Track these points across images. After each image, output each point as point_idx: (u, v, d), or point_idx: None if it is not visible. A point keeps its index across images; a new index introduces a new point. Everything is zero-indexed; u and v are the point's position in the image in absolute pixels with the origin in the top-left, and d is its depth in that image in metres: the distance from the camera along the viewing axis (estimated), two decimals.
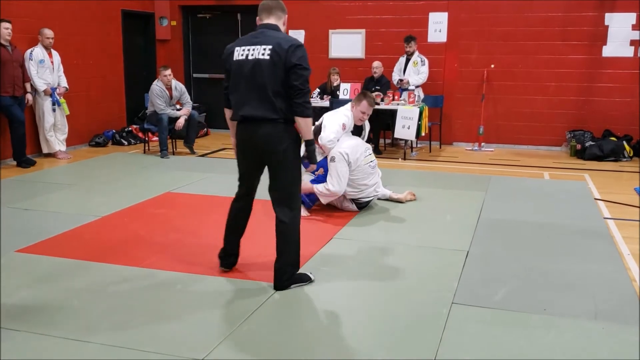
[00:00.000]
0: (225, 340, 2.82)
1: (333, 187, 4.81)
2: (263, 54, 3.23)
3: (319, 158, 4.96)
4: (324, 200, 4.95)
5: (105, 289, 3.44)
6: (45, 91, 7.40)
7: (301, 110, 3.25)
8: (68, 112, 7.71)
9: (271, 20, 3.38)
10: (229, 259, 3.69)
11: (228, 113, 3.52)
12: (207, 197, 5.55)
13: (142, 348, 2.74)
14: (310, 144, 3.38)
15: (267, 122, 3.27)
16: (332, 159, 4.84)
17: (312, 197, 5.01)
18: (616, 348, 2.79)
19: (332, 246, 4.22)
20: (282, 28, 3.43)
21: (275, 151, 3.30)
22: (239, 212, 3.63)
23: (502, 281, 3.57)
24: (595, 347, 2.80)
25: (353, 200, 5.05)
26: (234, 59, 3.34)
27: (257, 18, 3.43)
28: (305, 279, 3.52)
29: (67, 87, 7.70)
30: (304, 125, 3.30)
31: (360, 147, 5.00)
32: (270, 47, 3.23)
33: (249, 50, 3.30)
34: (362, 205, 5.09)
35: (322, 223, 4.76)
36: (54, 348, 2.75)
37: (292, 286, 3.44)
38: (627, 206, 5.47)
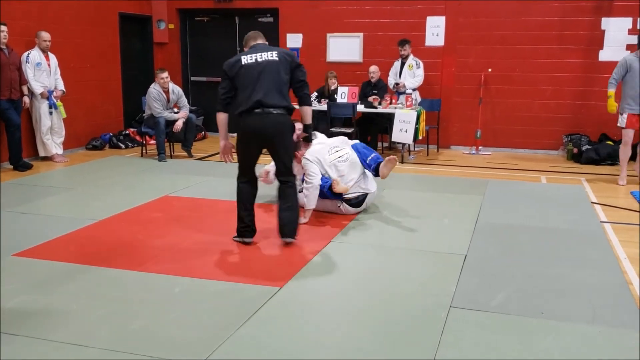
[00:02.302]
0: (224, 343, 2.82)
1: (310, 182, 4.84)
2: (272, 56, 4.07)
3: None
4: (313, 201, 4.85)
5: (103, 292, 3.43)
6: (42, 94, 7.39)
7: (308, 100, 4.22)
8: (65, 116, 7.70)
9: (259, 41, 4.23)
10: (252, 231, 4.34)
11: (223, 116, 4.16)
12: (205, 201, 5.54)
13: (141, 352, 2.73)
14: (310, 127, 4.35)
15: (281, 110, 4.07)
16: (304, 165, 4.97)
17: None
18: (613, 352, 2.80)
19: (330, 249, 4.22)
20: None
21: (285, 135, 4.15)
22: (250, 193, 4.31)
23: (500, 285, 3.57)
24: (592, 350, 2.81)
25: (344, 201, 5.04)
26: (243, 63, 4.04)
27: (244, 45, 4.28)
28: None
29: (64, 90, 7.70)
30: (309, 112, 4.25)
31: (323, 149, 5.10)
32: (275, 52, 4.10)
33: (257, 56, 4.07)
34: (353, 203, 5.07)
35: (320, 226, 4.76)
36: (53, 352, 2.74)
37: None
38: (623, 210, 5.49)
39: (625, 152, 6.57)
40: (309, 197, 4.86)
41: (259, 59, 4.03)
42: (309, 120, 4.27)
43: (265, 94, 3.97)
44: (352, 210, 5.09)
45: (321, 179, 5.01)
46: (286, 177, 4.26)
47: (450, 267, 3.87)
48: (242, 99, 4.01)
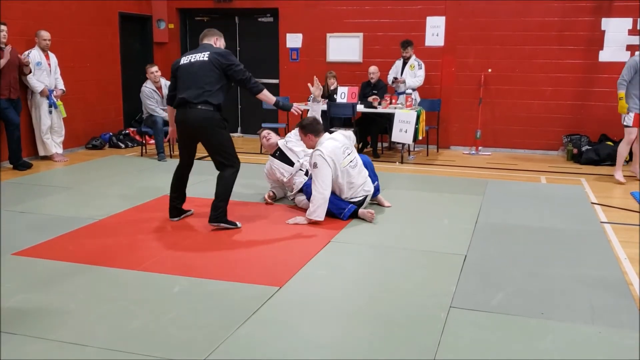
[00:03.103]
0: (224, 343, 2.82)
1: (319, 193, 4.73)
2: (203, 57, 4.50)
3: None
4: (321, 213, 4.76)
5: (102, 292, 3.43)
6: (42, 92, 7.38)
7: (255, 88, 4.56)
8: (65, 115, 7.70)
9: (205, 41, 4.75)
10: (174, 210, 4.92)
11: (169, 109, 4.82)
12: (204, 200, 5.53)
13: (140, 351, 2.73)
14: (277, 102, 4.76)
15: (202, 105, 4.44)
16: (315, 165, 4.77)
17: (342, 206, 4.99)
18: (613, 352, 2.79)
19: (329, 249, 4.22)
20: (217, 44, 4.76)
21: (207, 128, 4.49)
22: (183, 178, 4.89)
23: (500, 285, 3.57)
24: (592, 351, 2.81)
25: (348, 201, 5.03)
26: (180, 64, 4.59)
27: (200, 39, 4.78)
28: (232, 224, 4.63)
29: (64, 89, 7.69)
30: (264, 96, 4.61)
31: (338, 150, 4.89)
32: (207, 52, 4.53)
33: (191, 56, 4.57)
34: (358, 205, 5.07)
35: (319, 226, 4.75)
36: (52, 351, 2.74)
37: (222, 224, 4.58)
38: (623, 210, 5.49)
39: (626, 149, 6.66)
40: (318, 210, 4.72)
41: (192, 60, 4.51)
42: (270, 100, 4.64)
43: (190, 92, 4.40)
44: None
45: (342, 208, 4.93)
46: (220, 166, 4.62)
47: (450, 267, 3.87)
48: (177, 96, 4.53)
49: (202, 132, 4.50)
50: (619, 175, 6.70)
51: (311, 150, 5.00)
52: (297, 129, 5.15)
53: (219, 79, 4.45)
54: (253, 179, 6.29)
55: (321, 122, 5.15)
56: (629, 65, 6.39)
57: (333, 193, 4.95)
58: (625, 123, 6.56)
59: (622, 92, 6.43)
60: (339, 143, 4.96)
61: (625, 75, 6.40)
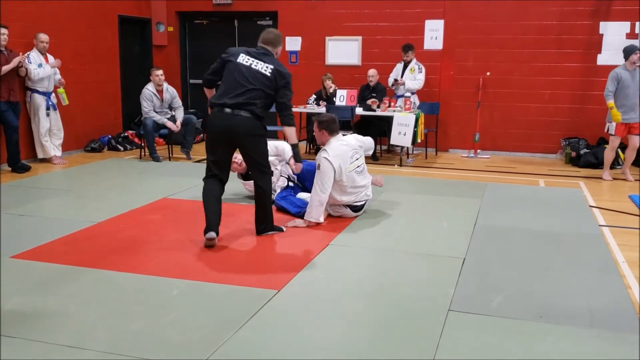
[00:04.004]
0: (223, 345, 2.81)
1: (317, 195, 4.73)
2: (265, 70, 4.23)
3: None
4: (316, 215, 4.76)
5: (101, 294, 3.43)
6: (52, 64, 7.40)
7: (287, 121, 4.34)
8: (67, 102, 7.66)
9: (269, 47, 4.36)
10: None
11: (208, 92, 4.49)
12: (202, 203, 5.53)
13: (139, 354, 2.73)
14: (294, 146, 4.47)
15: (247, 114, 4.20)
16: (319, 166, 4.77)
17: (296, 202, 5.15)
18: (612, 355, 2.80)
19: (328, 252, 4.22)
20: (278, 54, 4.43)
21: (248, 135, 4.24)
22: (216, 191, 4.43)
23: (498, 288, 3.57)
24: (590, 354, 2.81)
25: (347, 206, 5.05)
26: (237, 60, 4.25)
27: (260, 39, 4.42)
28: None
29: (63, 81, 7.63)
30: (289, 132, 4.37)
31: (347, 154, 4.88)
32: (272, 67, 4.23)
33: (253, 61, 4.25)
34: (358, 209, 5.09)
35: (318, 229, 4.75)
36: (51, 354, 2.73)
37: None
38: (621, 213, 5.50)
39: (611, 155, 7.10)
40: (313, 212, 4.74)
41: (254, 66, 4.22)
42: (293, 139, 4.40)
43: (238, 98, 4.17)
44: (352, 214, 5.09)
45: (291, 187, 5.13)
46: (259, 176, 4.44)
47: (449, 270, 3.87)
48: (218, 93, 4.29)
49: (246, 139, 4.25)
50: (606, 175, 7.10)
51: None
52: (314, 123, 5.08)
53: (269, 96, 4.25)
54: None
55: (337, 122, 5.08)
56: (612, 77, 6.86)
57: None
58: (608, 131, 7.02)
59: (611, 102, 6.83)
60: (349, 147, 4.95)
61: (609, 87, 6.84)
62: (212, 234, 4.19)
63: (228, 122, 4.16)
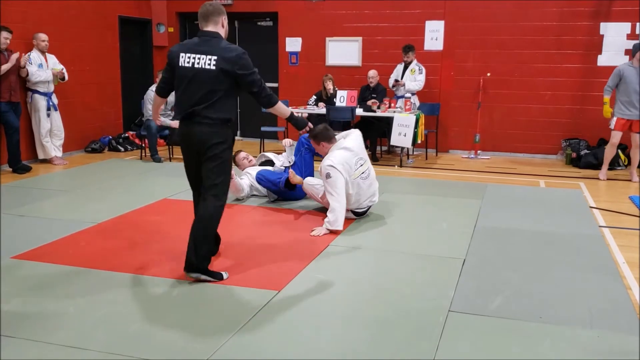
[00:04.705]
0: (223, 346, 2.82)
1: (339, 202, 4.64)
2: (209, 64, 3.52)
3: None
4: (342, 222, 4.64)
5: (102, 295, 3.43)
6: (54, 72, 7.45)
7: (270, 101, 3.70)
8: (67, 78, 7.65)
9: (210, 28, 3.67)
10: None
11: (157, 98, 3.91)
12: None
13: (138, 355, 2.73)
14: (291, 117, 3.89)
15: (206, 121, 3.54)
16: (328, 176, 4.67)
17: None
18: (612, 356, 2.80)
19: (328, 253, 4.22)
20: (222, 31, 3.72)
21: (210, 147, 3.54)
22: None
23: (498, 289, 3.58)
24: (590, 355, 2.81)
25: (351, 211, 5.01)
26: (180, 64, 3.58)
27: (199, 24, 3.74)
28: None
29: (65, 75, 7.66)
30: (277, 110, 3.79)
31: (351, 160, 4.76)
32: (215, 57, 3.51)
33: (194, 58, 3.55)
34: (360, 214, 5.09)
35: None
36: (51, 355, 2.74)
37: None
38: (622, 214, 5.50)
39: (610, 151, 7.15)
40: (340, 219, 4.62)
41: (196, 65, 3.53)
42: (284, 112, 3.84)
43: (194, 104, 3.52)
44: (353, 216, 5.06)
45: (273, 181, 5.20)
46: (209, 197, 3.62)
47: (449, 271, 3.87)
48: (176, 101, 3.74)
49: (207, 149, 3.57)
50: (601, 174, 7.18)
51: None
52: (310, 138, 5.08)
53: (227, 90, 3.55)
54: None
55: (331, 128, 5.08)
56: (614, 74, 6.94)
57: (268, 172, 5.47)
58: (610, 126, 7.09)
59: (606, 98, 7.00)
60: (352, 154, 4.82)
61: (609, 82, 6.95)
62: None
63: (189, 134, 3.57)
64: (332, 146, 4.92)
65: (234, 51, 3.53)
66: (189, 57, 3.55)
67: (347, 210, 4.97)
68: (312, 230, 4.65)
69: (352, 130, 5.22)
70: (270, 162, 6.02)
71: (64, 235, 4.51)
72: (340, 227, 4.64)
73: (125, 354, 2.74)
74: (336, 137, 5.02)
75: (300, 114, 4.00)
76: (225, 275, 3.67)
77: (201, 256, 3.58)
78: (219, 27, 3.70)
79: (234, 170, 5.49)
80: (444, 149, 9.04)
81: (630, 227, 5.06)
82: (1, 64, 6.78)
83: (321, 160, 4.90)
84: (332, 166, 4.67)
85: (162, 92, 3.86)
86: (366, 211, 5.11)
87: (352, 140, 4.98)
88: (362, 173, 4.86)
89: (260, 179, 5.55)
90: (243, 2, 9.62)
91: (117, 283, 3.61)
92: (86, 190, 6.15)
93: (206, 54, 3.52)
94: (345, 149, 4.82)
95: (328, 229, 4.63)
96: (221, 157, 3.57)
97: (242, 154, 6.11)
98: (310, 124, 4.06)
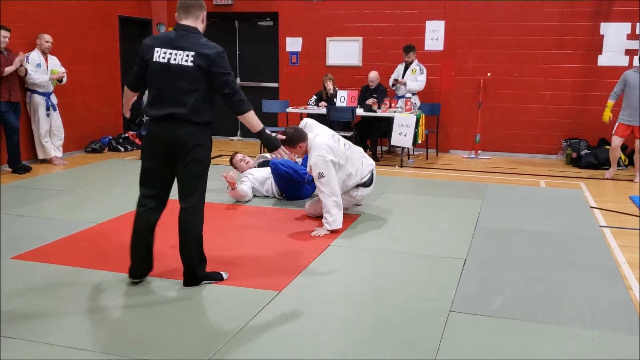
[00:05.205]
0: (223, 348, 2.81)
1: (334, 201, 4.60)
2: (186, 60, 3.30)
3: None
4: (340, 221, 4.63)
5: (102, 296, 3.43)
6: (54, 77, 7.45)
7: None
8: (64, 81, 7.65)
9: (189, 22, 3.41)
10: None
11: (129, 92, 3.70)
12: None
13: (138, 356, 2.72)
14: (261, 134, 3.52)
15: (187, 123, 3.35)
16: (320, 175, 4.57)
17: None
18: (613, 356, 2.79)
19: (329, 253, 4.21)
20: (201, 27, 3.47)
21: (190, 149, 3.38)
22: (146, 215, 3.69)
23: (499, 289, 3.57)
24: (591, 355, 2.80)
25: (359, 185, 4.99)
26: (154, 59, 3.38)
27: (176, 16, 3.47)
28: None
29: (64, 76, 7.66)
30: (247, 120, 3.45)
31: (331, 140, 4.70)
32: (193, 52, 3.29)
33: (170, 54, 3.34)
34: (368, 183, 5.04)
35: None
36: (51, 355, 2.73)
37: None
38: (622, 214, 5.49)
39: (614, 154, 7.23)
40: (338, 218, 4.59)
41: (172, 61, 3.33)
42: (255, 126, 3.49)
43: (170, 104, 3.36)
44: (367, 191, 5.06)
45: (298, 170, 5.11)
46: (185, 200, 3.63)
47: (450, 271, 3.87)
48: (150, 99, 3.51)
49: (187, 152, 3.42)
50: (608, 174, 7.27)
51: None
52: (285, 147, 4.63)
53: (202, 90, 3.35)
54: None
55: (296, 127, 4.87)
56: (620, 80, 7.14)
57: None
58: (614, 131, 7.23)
59: (610, 102, 7.09)
60: (328, 135, 4.78)
61: (615, 88, 7.08)
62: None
63: (164, 136, 3.44)
64: (308, 140, 4.74)
65: (213, 48, 3.32)
66: (165, 53, 3.34)
67: (357, 186, 4.97)
68: (313, 231, 4.64)
69: (306, 119, 5.20)
70: (269, 163, 6.01)
71: (64, 236, 4.51)
72: (339, 226, 4.63)
73: (125, 354, 2.74)
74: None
75: (275, 134, 3.72)
76: (225, 276, 3.65)
77: (201, 267, 3.57)
78: (199, 22, 3.45)
79: (234, 173, 5.50)
80: (444, 149, 9.04)
81: (630, 227, 5.05)
82: (1, 64, 6.77)
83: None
84: (323, 160, 4.57)
85: (133, 87, 3.64)
86: (372, 177, 5.05)
87: (316, 125, 4.97)
88: (345, 145, 4.89)
89: (282, 164, 5.37)
90: (243, 2, 9.62)
91: (117, 283, 3.60)
92: (86, 190, 6.14)
93: (183, 50, 3.30)
94: (318, 135, 4.75)
95: (328, 230, 4.62)
96: (203, 161, 3.44)
97: (239, 156, 6.08)
98: (282, 147, 3.70)
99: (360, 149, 5.14)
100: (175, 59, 3.31)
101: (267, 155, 6.17)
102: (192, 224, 3.52)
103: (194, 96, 3.32)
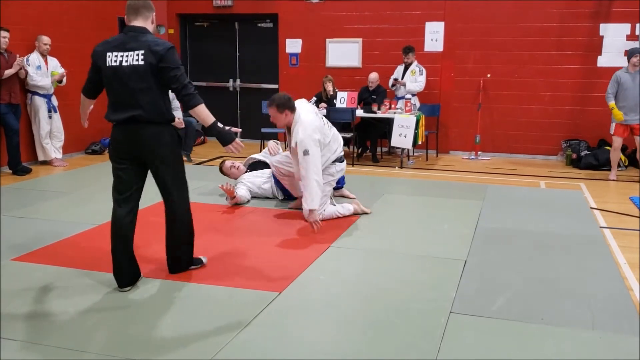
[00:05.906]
0: (223, 349, 2.81)
1: (314, 180, 4.59)
2: (137, 60, 3.33)
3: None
4: (318, 200, 4.65)
5: (102, 297, 3.43)
6: (54, 78, 7.47)
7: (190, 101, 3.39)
8: (63, 82, 7.67)
9: (139, 22, 3.43)
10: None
11: (85, 100, 3.91)
12: (202, 205, 5.53)
13: (138, 357, 2.72)
14: (213, 128, 3.45)
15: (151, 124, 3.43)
16: (306, 152, 4.59)
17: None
18: (613, 357, 2.79)
19: (329, 254, 4.21)
20: (151, 27, 3.50)
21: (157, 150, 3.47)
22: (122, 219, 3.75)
23: (500, 290, 3.57)
24: (592, 356, 2.80)
25: (336, 161, 5.04)
26: (107, 64, 3.40)
27: (125, 18, 3.48)
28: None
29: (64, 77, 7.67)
30: (197, 113, 3.41)
31: (316, 118, 4.78)
32: (142, 51, 3.32)
33: (122, 57, 3.37)
34: (341, 159, 5.11)
35: (318, 232, 4.74)
36: (50, 357, 2.73)
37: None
38: (623, 215, 5.49)
39: (615, 155, 7.29)
40: (316, 197, 4.58)
41: (124, 62, 3.36)
42: (206, 119, 3.44)
43: (130, 107, 3.48)
44: (342, 166, 5.12)
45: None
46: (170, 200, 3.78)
47: (450, 272, 3.86)
48: (110, 103, 3.64)
49: (157, 152, 3.50)
50: (611, 175, 7.29)
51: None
52: (271, 107, 4.74)
53: (157, 87, 3.40)
54: None
55: (289, 96, 4.84)
56: (612, 80, 7.11)
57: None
58: (610, 132, 7.33)
59: (612, 103, 7.07)
60: (311, 113, 4.82)
61: (609, 89, 7.12)
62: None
63: (130, 138, 3.54)
64: (294, 115, 4.74)
65: (161, 45, 3.33)
66: (116, 56, 3.36)
67: (334, 162, 5.00)
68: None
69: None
70: (259, 164, 5.96)
71: (64, 237, 4.51)
72: (316, 206, 4.62)
73: (125, 355, 2.73)
74: None
75: (229, 128, 3.62)
76: (204, 260, 3.89)
77: (190, 251, 3.77)
78: (149, 22, 3.47)
79: (229, 181, 5.52)
80: (444, 150, 9.04)
81: (631, 228, 5.05)
82: (1, 66, 6.78)
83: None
84: (311, 138, 4.61)
85: (89, 94, 3.74)
86: (342, 156, 5.13)
87: (303, 103, 4.97)
88: (328, 123, 5.00)
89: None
90: (243, 3, 9.63)
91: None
92: (86, 191, 6.14)
93: (134, 50, 3.33)
94: (306, 112, 4.79)
95: (307, 209, 4.61)
96: (171, 159, 3.53)
97: (228, 163, 6.01)
98: (237, 140, 3.54)
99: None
100: (127, 61, 3.35)
101: (256, 156, 6.14)
102: (179, 210, 3.73)
103: (150, 95, 3.37)
